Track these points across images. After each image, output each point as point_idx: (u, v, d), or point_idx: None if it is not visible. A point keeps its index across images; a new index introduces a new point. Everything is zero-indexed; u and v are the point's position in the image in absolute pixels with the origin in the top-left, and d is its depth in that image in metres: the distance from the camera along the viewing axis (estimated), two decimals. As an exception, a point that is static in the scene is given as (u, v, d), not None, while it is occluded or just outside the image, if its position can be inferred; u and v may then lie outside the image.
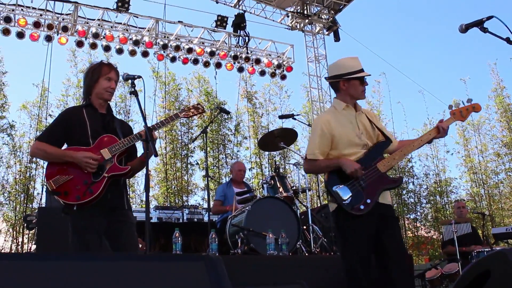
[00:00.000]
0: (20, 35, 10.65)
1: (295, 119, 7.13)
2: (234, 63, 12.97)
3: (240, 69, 13.15)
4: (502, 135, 18.37)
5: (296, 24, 14.13)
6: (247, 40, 12.92)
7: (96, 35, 11.26)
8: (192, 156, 16.24)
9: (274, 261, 4.93)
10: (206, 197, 7.28)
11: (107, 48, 11.53)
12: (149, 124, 3.67)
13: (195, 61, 12.61)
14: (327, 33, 14.24)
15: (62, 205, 3.57)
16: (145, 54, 11.95)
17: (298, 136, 7.16)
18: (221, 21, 12.58)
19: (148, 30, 11.94)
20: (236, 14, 12.81)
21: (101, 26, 11.46)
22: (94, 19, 11.37)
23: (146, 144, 3.50)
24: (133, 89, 3.71)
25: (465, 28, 3.57)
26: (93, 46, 11.43)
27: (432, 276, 7.45)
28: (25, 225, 7.17)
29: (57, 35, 10.99)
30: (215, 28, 12.62)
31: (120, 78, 3.91)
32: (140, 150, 3.86)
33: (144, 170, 3.55)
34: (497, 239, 8.67)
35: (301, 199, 7.30)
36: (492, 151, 18.55)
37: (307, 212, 6.87)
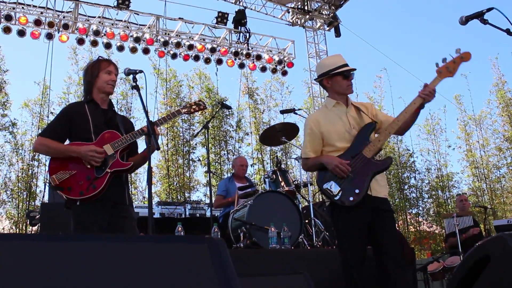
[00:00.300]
0: (21, 33, 10.65)
1: (296, 113, 7.13)
2: (235, 59, 12.97)
3: (241, 66, 13.15)
4: (503, 129, 18.38)
5: (296, 20, 14.12)
6: (248, 36, 12.92)
7: (97, 33, 11.27)
8: (194, 153, 16.29)
9: (276, 254, 4.95)
10: (208, 193, 7.31)
11: (108, 46, 11.53)
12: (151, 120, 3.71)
13: (196, 58, 12.60)
14: (328, 28, 14.23)
15: (65, 200, 3.61)
16: (146, 51, 11.94)
17: (299, 130, 7.15)
18: (221, 18, 12.58)
19: (149, 27, 11.95)
20: (236, 10, 12.80)
21: (102, 24, 11.46)
22: (94, 17, 11.37)
23: (149, 138, 3.52)
24: (134, 84, 3.73)
25: (465, 20, 3.57)
26: (94, 43, 11.43)
27: (434, 269, 7.48)
28: (28, 221, 7.18)
29: (58, 33, 10.99)
30: (216, 25, 12.61)
31: (122, 74, 3.94)
32: (141, 146, 3.90)
33: (146, 165, 3.56)
34: (499, 231, 8.69)
35: (303, 194, 7.31)
36: (493, 146, 18.57)
37: (309, 206, 6.89)
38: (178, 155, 16.11)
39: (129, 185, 4.11)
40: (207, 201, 8.76)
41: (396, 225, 17.11)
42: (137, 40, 11.67)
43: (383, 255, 3.64)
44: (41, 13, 10.87)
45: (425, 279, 7.58)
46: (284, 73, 13.79)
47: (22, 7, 10.74)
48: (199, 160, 15.93)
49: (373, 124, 3.82)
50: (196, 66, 16.18)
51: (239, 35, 12.94)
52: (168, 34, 12.22)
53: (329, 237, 6.38)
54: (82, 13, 11.24)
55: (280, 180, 6.64)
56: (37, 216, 6.77)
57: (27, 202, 13.67)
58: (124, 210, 3.70)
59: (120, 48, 11.62)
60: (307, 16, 14.00)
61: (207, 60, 12.78)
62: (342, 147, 3.78)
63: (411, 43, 35.21)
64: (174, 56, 12.37)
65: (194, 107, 4.11)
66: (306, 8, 13.85)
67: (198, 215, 8.32)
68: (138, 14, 11.78)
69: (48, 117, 13.93)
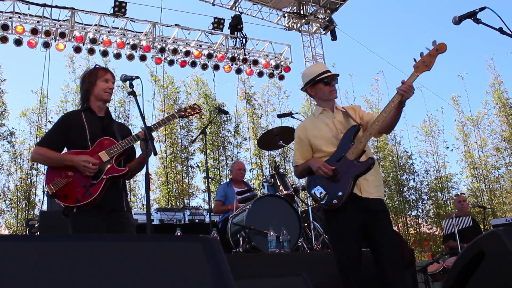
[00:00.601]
0: (18, 42, 10.68)
1: (293, 117, 7.16)
2: (232, 64, 13.00)
3: (238, 71, 13.18)
4: (501, 129, 18.40)
5: (292, 24, 14.17)
6: (244, 42, 12.96)
7: (93, 41, 11.30)
8: (192, 159, 16.27)
9: (276, 258, 4.95)
10: (207, 199, 7.31)
11: (105, 53, 11.57)
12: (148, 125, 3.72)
13: (193, 64, 12.62)
14: (324, 32, 14.29)
15: (63, 208, 3.63)
16: (143, 58, 11.97)
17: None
18: (218, 23, 12.62)
19: (145, 34, 11.99)
20: (232, 16, 12.86)
21: (98, 31, 11.50)
22: (91, 25, 11.40)
23: (145, 144, 3.54)
24: (131, 90, 3.75)
25: (458, 20, 3.58)
26: (91, 51, 11.46)
27: (434, 271, 7.47)
28: (27, 230, 7.18)
29: (55, 41, 11.02)
30: (212, 31, 12.66)
31: (119, 81, 3.96)
32: (138, 152, 3.91)
33: (144, 172, 3.58)
34: (497, 231, 8.67)
35: (301, 197, 7.32)
36: (491, 146, 18.58)
37: (308, 210, 6.90)
38: (177, 161, 16.09)
39: (128, 192, 4.12)
40: (206, 206, 8.75)
41: (396, 227, 17.14)
42: (133, 47, 11.70)
43: (380, 256, 3.66)
44: (38, 22, 10.91)
45: (425, 281, 7.56)
46: (281, 77, 13.83)
47: (19, 16, 10.77)
48: (197, 166, 15.93)
49: (356, 127, 3.83)
50: (193, 72, 16.20)
51: (236, 41, 12.99)
52: (165, 40, 12.25)
53: (328, 240, 6.39)
54: (78, 21, 11.27)
55: (279, 184, 6.65)
56: (36, 225, 6.78)
57: (26, 211, 13.65)
58: (122, 216, 3.71)
59: (117, 56, 11.65)
60: (303, 20, 14.05)
61: (204, 66, 12.81)
62: (330, 152, 3.83)
63: (407, 45, 35.24)
64: (171, 62, 12.39)
65: (189, 110, 4.14)
66: (302, 12, 13.90)
67: (197, 220, 8.33)
68: (134, 22, 11.82)
69: (46, 125, 13.94)
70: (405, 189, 18.20)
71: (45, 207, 8.48)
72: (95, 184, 3.55)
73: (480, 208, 10.69)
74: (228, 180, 7.91)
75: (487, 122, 18.87)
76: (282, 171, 6.94)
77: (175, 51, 12.20)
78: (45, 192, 3.83)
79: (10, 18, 10.65)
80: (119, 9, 11.28)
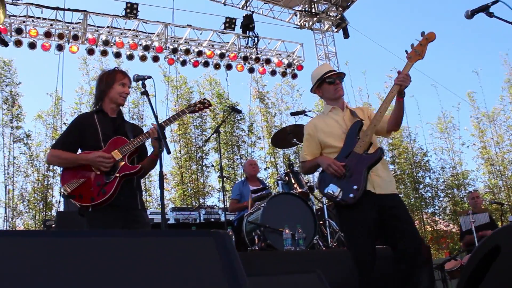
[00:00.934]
0: (32, 45, 10.80)
1: (307, 115, 7.11)
2: (245, 64, 13.01)
3: (251, 70, 13.19)
4: (518, 125, 18.19)
5: (304, 22, 14.14)
6: (256, 41, 12.96)
7: (106, 42, 11.38)
8: (207, 158, 16.28)
9: (291, 256, 4.95)
10: (222, 198, 7.32)
11: (117, 55, 11.64)
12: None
13: (206, 64, 12.65)
14: (336, 30, 14.25)
15: (78, 208, 3.67)
16: (155, 59, 12.03)
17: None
18: (229, 23, 12.64)
19: (157, 35, 12.04)
20: (244, 15, 12.87)
21: (111, 33, 11.58)
22: (103, 27, 11.49)
23: (158, 142, 3.55)
24: (144, 89, 3.77)
25: (471, 14, 3.57)
26: (104, 53, 11.55)
27: (452, 268, 7.41)
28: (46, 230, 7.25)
29: (68, 44, 11.13)
30: (224, 30, 12.68)
31: (133, 82, 3.98)
32: (150, 150, 3.93)
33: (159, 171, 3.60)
34: (515, 227, 8.58)
35: (317, 195, 7.29)
36: (508, 142, 18.35)
37: (323, 208, 6.88)
38: (192, 161, 16.12)
39: (143, 191, 4.14)
40: (222, 205, 8.77)
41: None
42: (146, 48, 11.76)
43: (398, 241, 3.61)
44: (51, 25, 11.01)
45: (443, 278, 7.51)
46: (294, 76, 13.81)
47: (32, 20, 10.88)
48: (212, 165, 15.94)
49: (359, 122, 3.88)
50: (206, 72, 16.20)
51: (248, 40, 13.00)
52: (177, 41, 12.29)
53: (343, 237, 6.37)
54: (91, 23, 11.36)
55: (293, 182, 6.63)
56: (53, 225, 6.84)
57: (44, 213, 13.77)
58: (137, 215, 3.74)
59: (130, 57, 11.72)
60: (315, 19, 14.01)
61: (217, 66, 12.84)
62: (340, 147, 3.87)
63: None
64: (183, 63, 12.44)
65: (199, 105, 4.15)
66: (313, 10, 13.87)
67: (212, 219, 8.33)
68: (146, 23, 11.88)
69: (61, 127, 14.03)
70: (421, 186, 18.06)
71: (61, 208, 8.57)
72: (109, 183, 3.58)
73: (497, 205, 10.60)
74: (243, 178, 7.92)
75: (503, 118, 18.65)
76: (296, 169, 6.91)
77: (187, 52, 12.24)
78: (61, 193, 3.88)
79: (24, 22, 10.76)
80: (131, 11, 11.35)
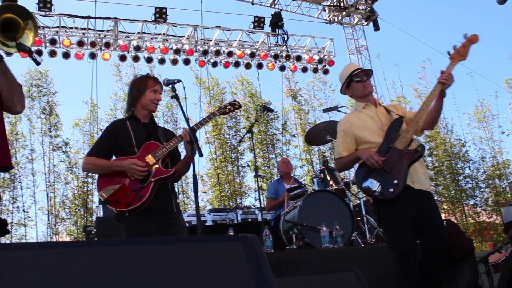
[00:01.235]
0: (66, 55, 11.00)
1: (339, 111, 7.04)
2: (275, 62, 12.96)
3: (282, 68, 13.13)
4: (560, 110, 17.66)
5: (333, 17, 14.02)
6: (286, 38, 12.90)
7: (137, 48, 11.51)
8: (242, 158, 16.32)
9: (329, 253, 4.91)
10: (258, 197, 7.31)
11: (149, 60, 11.76)
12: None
13: (237, 64, 12.66)
14: (366, 23, 14.08)
15: (115, 214, 3.71)
16: (186, 61, 12.10)
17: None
18: (258, 22, 12.62)
19: (187, 38, 12.10)
20: (272, 13, 12.82)
21: (142, 39, 11.70)
22: (134, 33, 11.61)
23: (191, 145, 3.57)
24: (174, 93, 3.80)
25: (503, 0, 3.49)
26: (136, 59, 11.68)
27: (496, 261, 7.24)
28: (85, 236, 7.38)
29: (101, 51, 11.29)
30: (253, 30, 12.66)
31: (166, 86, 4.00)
32: (183, 154, 3.95)
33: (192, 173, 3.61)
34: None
35: (353, 191, 7.22)
36: (550, 128, 17.85)
37: (360, 204, 6.81)
38: (227, 162, 16.18)
39: (180, 194, 4.17)
40: (258, 205, 8.77)
41: (454, 217, 16.71)
42: (177, 51, 11.84)
43: (427, 250, 3.68)
44: (83, 34, 11.19)
45: (487, 271, 7.33)
46: (326, 72, 13.69)
47: (65, 30, 11.08)
48: (248, 165, 15.97)
49: (400, 120, 3.92)
50: (237, 72, 16.23)
51: (277, 38, 12.95)
52: (207, 43, 12.34)
53: (382, 233, 6.29)
54: (121, 30, 11.51)
55: (329, 179, 6.58)
56: (93, 231, 6.96)
57: (85, 218, 14.03)
58: (173, 218, 3.76)
59: (161, 61, 11.82)
60: (344, 13, 13.88)
61: (248, 66, 12.82)
62: (377, 142, 3.88)
63: (453, 30, 34.31)
64: (214, 64, 12.47)
65: (229, 107, 4.17)
66: (342, 4, 13.75)
67: (250, 219, 8.33)
68: (176, 26, 11.96)
69: (97, 134, 14.24)
70: (461, 177, 17.69)
71: (101, 213, 8.71)
72: (144, 187, 3.61)
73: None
74: (278, 177, 7.90)
75: (544, 104, 18.13)
76: (331, 165, 6.85)
77: (217, 53, 12.27)
78: (98, 199, 3.94)
79: (57, 32, 10.97)
80: (160, 16, 11.44)
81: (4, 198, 13.71)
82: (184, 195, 14.72)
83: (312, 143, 7.83)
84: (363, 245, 5.99)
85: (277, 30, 12.80)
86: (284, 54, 12.88)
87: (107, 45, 11.25)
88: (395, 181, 3.66)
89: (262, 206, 7.36)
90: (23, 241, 13.86)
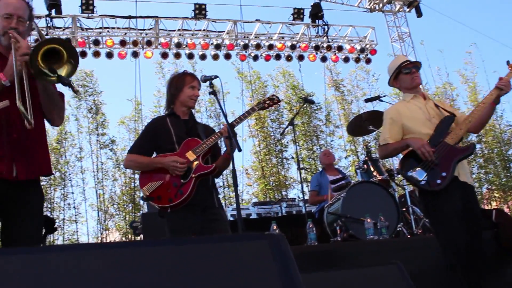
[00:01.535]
0: (109, 55, 11.21)
1: (381, 100, 6.93)
2: (317, 53, 12.83)
3: (323, 59, 12.99)
4: None
5: (374, 5, 13.77)
6: (326, 29, 12.75)
7: (178, 45, 11.61)
8: (286, 151, 16.30)
9: (374, 245, 4.86)
10: (304, 190, 7.28)
11: (190, 56, 11.84)
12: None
13: (278, 57, 12.60)
14: (408, 10, 13.77)
15: (158, 210, 3.77)
16: (227, 56, 12.12)
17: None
18: (297, 14, 12.52)
19: (227, 33, 12.13)
20: (312, 4, 12.69)
21: (182, 36, 11.79)
22: (174, 30, 11.71)
23: (229, 140, 3.58)
24: (211, 89, 3.82)
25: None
26: (177, 55, 11.78)
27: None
28: (132, 232, 7.53)
29: (143, 50, 11.44)
30: (293, 21, 12.57)
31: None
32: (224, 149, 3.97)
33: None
34: None
35: (398, 182, 7.11)
36: None
37: (405, 194, 6.71)
38: (271, 154, 16.19)
39: (222, 187, 4.21)
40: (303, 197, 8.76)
41: (505, 206, 16.23)
42: (217, 47, 11.89)
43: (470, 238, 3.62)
44: (125, 33, 11.37)
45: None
46: (368, 61, 13.46)
47: (108, 31, 11.28)
48: (292, 157, 15.93)
49: (452, 117, 3.94)
50: (278, 65, 16.21)
51: (318, 29, 12.81)
52: (247, 37, 12.33)
53: (430, 223, 6.17)
54: (162, 28, 11.62)
55: (372, 169, 6.51)
56: (140, 226, 7.09)
57: (133, 214, 14.33)
58: (215, 214, 3.79)
59: (202, 57, 11.89)
60: (385, 0, 13.62)
61: (289, 58, 12.74)
62: (425, 133, 3.89)
63: (501, 13, 33.22)
64: (255, 58, 12.47)
65: (268, 102, 4.18)
66: (383, -8, 13.49)
67: (294, 212, 8.33)
68: (215, 22, 11.99)
69: (143, 131, 14.49)
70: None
71: (146, 209, 8.86)
72: (186, 183, 3.65)
73: None
74: (321, 169, 7.85)
75: None
76: (375, 156, 6.77)
77: (258, 46, 12.25)
78: (141, 196, 4.01)
79: (100, 33, 11.19)
80: (200, 12, 11.50)
81: (55, 195, 14.15)
82: (229, 188, 14.83)
83: (355, 134, 7.76)
84: (409, 236, 5.90)
85: (317, 21, 12.67)
86: (325, 45, 12.74)
87: (149, 43, 11.40)
88: (444, 174, 3.68)
89: (306, 198, 7.34)
90: (75, 236, 14.30)
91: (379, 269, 2.55)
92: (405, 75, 4.10)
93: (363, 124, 6.67)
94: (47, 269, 1.12)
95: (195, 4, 11.50)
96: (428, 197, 3.79)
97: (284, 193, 15.46)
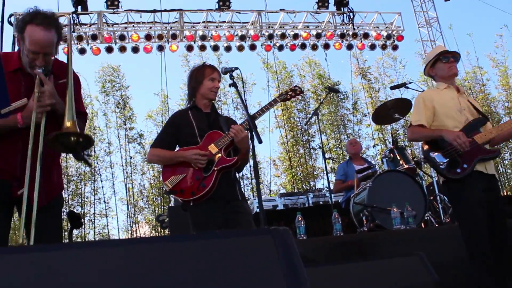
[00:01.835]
0: (135, 49, 11.29)
1: (407, 87, 6.80)
2: (342, 41, 12.69)
3: (349, 47, 12.84)
4: None
5: (401, -10, 13.57)
6: (351, 16, 12.59)
7: (203, 37, 11.62)
8: (313, 141, 16.24)
9: (401, 235, 4.80)
10: (332, 179, 7.27)
11: (215, 48, 11.86)
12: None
13: (303, 46, 12.51)
14: (435, -7, 13.53)
15: (181, 203, 3.80)
16: (252, 47, 12.09)
17: (412, 105, 6.85)
18: (322, 2, 12.38)
19: (252, 24, 12.09)
20: (337, -9, 12.56)
21: (207, 28, 11.80)
22: (199, 22, 11.73)
23: (250, 133, 3.57)
24: (232, 81, 3.81)
25: None
26: (202, 48, 11.81)
27: None
28: (160, 225, 7.61)
29: (168, 43, 11.49)
30: (318, 10, 12.44)
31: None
32: None
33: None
34: None
35: (426, 170, 7.00)
36: None
37: (433, 182, 6.61)
38: (298, 145, 16.15)
39: (248, 179, 4.21)
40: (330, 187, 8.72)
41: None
42: (242, 38, 11.87)
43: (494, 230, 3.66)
44: (150, 27, 11.43)
45: None
46: (395, 47, 13.25)
47: (133, 26, 11.36)
48: (319, 147, 15.86)
49: (485, 120, 4.00)
50: (304, 54, 16.12)
51: (343, 16, 12.65)
52: (272, 27, 12.27)
53: (456, 211, 6.08)
54: (187, 21, 11.64)
55: (399, 158, 6.43)
56: (166, 219, 7.15)
57: (162, 207, 14.49)
58: (238, 206, 3.79)
59: (227, 49, 11.89)
60: (412, -15, 13.39)
61: (314, 47, 12.64)
62: (452, 122, 3.92)
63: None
64: (280, 48, 12.40)
65: (290, 93, 4.17)
66: (409, -24, 13.26)
67: (321, 202, 8.29)
68: (239, 13, 11.97)
69: (170, 125, 14.60)
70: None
71: (172, 203, 8.94)
72: (208, 176, 3.66)
73: None
74: (347, 158, 7.80)
75: None
76: (401, 144, 6.68)
77: (283, 36, 12.17)
78: (164, 190, 4.04)
79: (126, 28, 11.28)
80: (224, 3, 11.49)
81: (86, 190, 14.39)
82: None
83: (380, 122, 7.64)
84: (437, 225, 5.82)
85: (342, 8, 12.52)
86: (350, 33, 12.59)
87: (174, 36, 11.43)
88: (465, 165, 3.74)
89: (331, 188, 7.30)
90: (105, 230, 14.53)
91: (400, 260, 2.53)
92: (443, 63, 4.11)
93: (389, 112, 6.57)
94: (69, 266, 1.14)
95: (219, -4, 11.50)
96: (452, 186, 3.81)
97: (312, 183, 15.43)
